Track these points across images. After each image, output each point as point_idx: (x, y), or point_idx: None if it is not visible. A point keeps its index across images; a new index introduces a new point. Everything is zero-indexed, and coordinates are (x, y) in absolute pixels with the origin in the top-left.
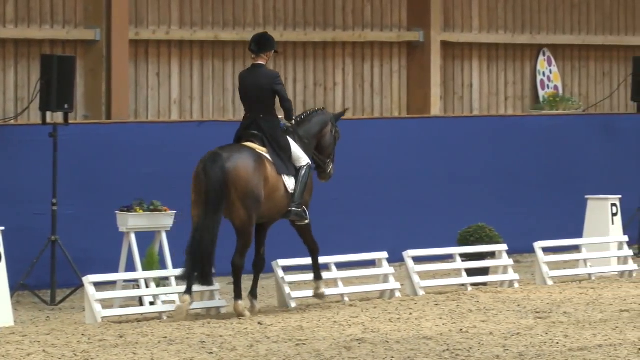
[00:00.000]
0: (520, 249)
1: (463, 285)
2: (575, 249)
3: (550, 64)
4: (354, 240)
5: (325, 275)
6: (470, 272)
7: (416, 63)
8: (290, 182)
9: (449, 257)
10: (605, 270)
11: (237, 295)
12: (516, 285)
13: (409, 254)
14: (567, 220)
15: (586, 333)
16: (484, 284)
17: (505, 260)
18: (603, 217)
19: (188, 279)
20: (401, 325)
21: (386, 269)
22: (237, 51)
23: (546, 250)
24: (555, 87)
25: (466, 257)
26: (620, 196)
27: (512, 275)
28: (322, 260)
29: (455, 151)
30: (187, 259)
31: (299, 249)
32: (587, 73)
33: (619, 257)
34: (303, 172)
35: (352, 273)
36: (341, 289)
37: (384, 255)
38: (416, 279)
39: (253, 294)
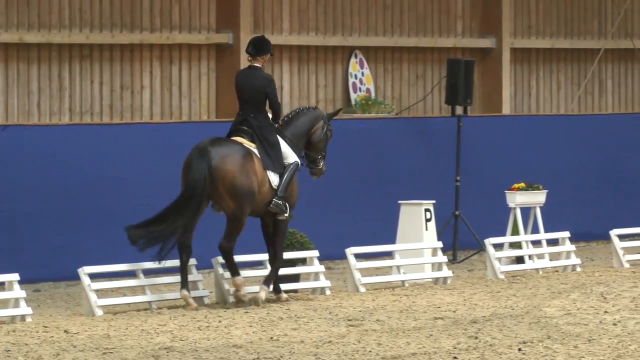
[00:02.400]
0: (332, 256)
1: (274, 292)
2: (388, 255)
3: (362, 67)
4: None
5: (133, 282)
6: (282, 279)
7: (225, 66)
8: (275, 178)
9: (259, 264)
10: (419, 276)
11: (234, 273)
12: (328, 292)
13: (220, 260)
14: (380, 226)
15: (400, 341)
16: (295, 291)
17: (317, 266)
18: (416, 222)
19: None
20: (210, 333)
21: (195, 275)
22: (42, 53)
23: (358, 256)
24: (368, 90)
25: None
26: (434, 201)
27: (323, 282)
28: (128, 267)
29: None
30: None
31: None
32: (400, 75)
33: (433, 264)
34: (290, 169)
35: (160, 280)
36: (149, 296)
37: (192, 262)
38: (225, 285)
39: (267, 284)
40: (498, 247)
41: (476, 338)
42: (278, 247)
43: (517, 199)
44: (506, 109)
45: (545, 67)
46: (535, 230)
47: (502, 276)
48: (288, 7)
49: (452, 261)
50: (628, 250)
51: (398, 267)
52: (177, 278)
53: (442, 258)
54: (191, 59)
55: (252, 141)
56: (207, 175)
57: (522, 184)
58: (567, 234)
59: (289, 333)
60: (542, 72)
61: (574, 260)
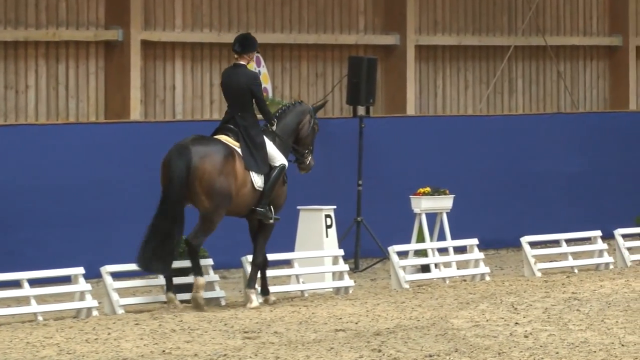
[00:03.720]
0: (228, 264)
1: (166, 302)
2: (287, 263)
3: (259, 65)
4: (48, 255)
5: (16, 292)
6: (175, 288)
7: (115, 64)
8: (258, 180)
9: (151, 273)
10: (319, 286)
11: (197, 272)
12: (223, 302)
13: (107, 269)
14: (278, 233)
15: (299, 354)
16: (188, 301)
17: (212, 276)
18: (316, 229)
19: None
20: (99, 346)
21: (83, 285)
22: None
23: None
24: (265, 90)
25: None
26: (334, 207)
27: (218, 292)
28: (12, 276)
29: (158, 159)
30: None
31: None
32: (299, 74)
33: (333, 273)
34: (275, 172)
35: (46, 290)
36: (34, 307)
37: (80, 270)
38: (115, 296)
39: (264, 292)
40: (402, 255)
41: (380, 351)
42: (259, 248)
43: (423, 204)
44: (411, 110)
45: (452, 65)
46: (441, 237)
47: (406, 286)
48: (181, 3)
49: (354, 270)
50: (540, 258)
51: (297, 276)
52: (60, 288)
53: (343, 267)
54: (79, 57)
55: (237, 140)
56: (184, 174)
57: (428, 189)
58: (475, 241)
59: (182, 346)
60: (449, 71)
61: (483, 268)
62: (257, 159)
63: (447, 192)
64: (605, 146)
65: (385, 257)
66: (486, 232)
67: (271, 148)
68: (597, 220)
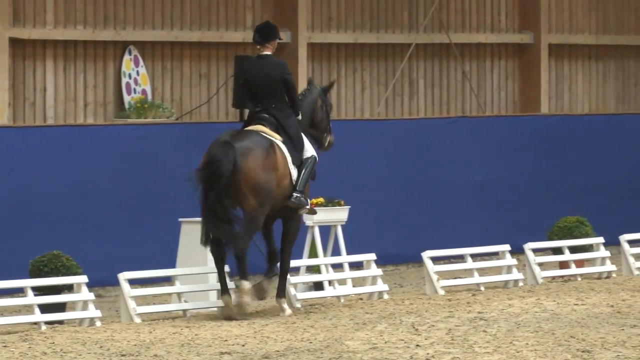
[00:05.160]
0: (104, 282)
1: (36, 323)
2: (168, 281)
3: (137, 65)
4: None
5: None
6: (45, 308)
7: None
8: (294, 172)
9: (19, 291)
10: (203, 305)
11: (243, 276)
12: (98, 323)
13: None
14: (159, 248)
15: None
16: (61, 322)
17: (86, 294)
18: (199, 243)
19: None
20: None
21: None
22: None
23: (133, 282)
24: (144, 92)
25: (39, 290)
26: None
27: (93, 311)
28: None
29: (34, 166)
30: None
31: None
32: (180, 75)
33: (218, 291)
34: (307, 163)
35: None
36: None
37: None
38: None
39: (281, 295)
40: (294, 271)
41: None
42: (288, 249)
43: (316, 216)
44: None
45: (348, 64)
46: (336, 252)
47: (298, 305)
48: None
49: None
50: (443, 275)
51: (178, 294)
52: None
53: (230, 284)
54: None
55: (276, 131)
56: (230, 172)
57: (321, 199)
58: (372, 256)
59: None
60: (344, 71)
61: (381, 286)
62: (297, 151)
63: (342, 203)
64: (514, 153)
65: (275, 273)
66: (385, 246)
67: (305, 140)
68: (505, 234)
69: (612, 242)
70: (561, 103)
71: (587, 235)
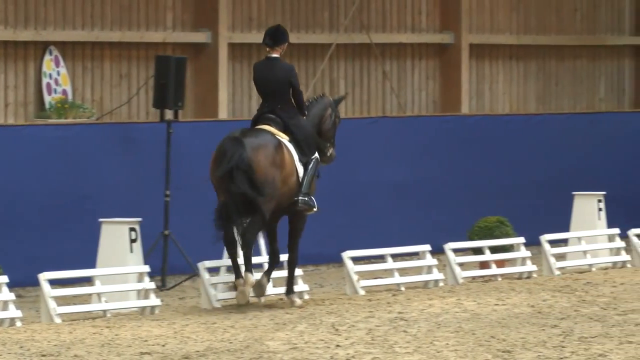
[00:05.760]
0: (24, 282)
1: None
2: (88, 281)
3: (58, 65)
4: None
5: None
6: None
7: None
8: (301, 171)
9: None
10: (123, 305)
11: (247, 268)
12: (19, 323)
13: (349, 254)
14: (79, 248)
15: None
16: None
17: (6, 294)
18: (120, 243)
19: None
20: None
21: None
22: None
23: (53, 282)
24: (64, 92)
25: None
26: (140, 219)
27: (13, 312)
28: None
29: None
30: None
31: None
32: (101, 75)
33: (138, 291)
34: (312, 164)
35: None
36: None
37: None
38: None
39: (291, 291)
40: (214, 271)
41: None
42: (295, 246)
43: None
44: (223, 113)
45: None
46: (255, 252)
47: (218, 305)
48: None
49: (161, 288)
50: (363, 275)
51: (99, 294)
52: None
53: (149, 284)
54: None
55: (283, 131)
56: (239, 167)
57: None
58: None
59: None
60: None
61: (302, 286)
62: (304, 150)
63: None
64: (435, 153)
65: (195, 273)
66: (304, 246)
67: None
68: (426, 234)
69: (532, 242)
70: (482, 103)
71: (507, 235)
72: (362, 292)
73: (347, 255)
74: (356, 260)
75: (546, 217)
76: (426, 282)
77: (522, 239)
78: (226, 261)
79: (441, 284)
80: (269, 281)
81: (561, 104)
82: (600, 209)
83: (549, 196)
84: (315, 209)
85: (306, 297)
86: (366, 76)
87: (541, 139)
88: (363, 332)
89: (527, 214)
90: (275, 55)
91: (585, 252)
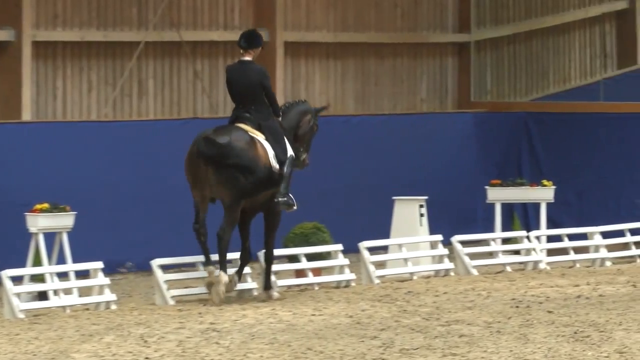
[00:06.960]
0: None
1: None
2: None
3: None
4: None
5: None
6: None
7: None
8: (277, 167)
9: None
10: None
11: (223, 268)
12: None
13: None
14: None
15: None
16: None
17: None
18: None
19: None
20: None
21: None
22: None
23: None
24: None
25: None
26: None
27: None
28: None
29: None
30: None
31: None
32: None
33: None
34: (287, 162)
35: None
36: None
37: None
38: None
39: (268, 287)
40: (17, 280)
41: None
42: (271, 241)
43: (40, 222)
44: (27, 115)
45: (74, 63)
46: (62, 260)
47: (21, 315)
48: None
49: None
50: (173, 284)
51: None
52: None
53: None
54: None
55: (258, 130)
56: (213, 158)
57: (46, 205)
58: (99, 264)
59: None
60: (70, 70)
61: (109, 295)
62: (280, 148)
63: (68, 208)
64: None
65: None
66: (113, 254)
67: (285, 140)
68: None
69: (351, 250)
70: None
71: (324, 242)
72: (172, 302)
73: (156, 263)
74: (166, 268)
75: (365, 223)
76: (239, 292)
77: (339, 246)
78: (30, 269)
79: (255, 293)
80: (240, 279)
81: (381, 105)
82: (422, 215)
83: (368, 201)
84: (295, 207)
85: (113, 307)
86: (176, 75)
87: (360, 140)
88: (173, 343)
89: (345, 220)
90: (248, 58)
91: (406, 259)
